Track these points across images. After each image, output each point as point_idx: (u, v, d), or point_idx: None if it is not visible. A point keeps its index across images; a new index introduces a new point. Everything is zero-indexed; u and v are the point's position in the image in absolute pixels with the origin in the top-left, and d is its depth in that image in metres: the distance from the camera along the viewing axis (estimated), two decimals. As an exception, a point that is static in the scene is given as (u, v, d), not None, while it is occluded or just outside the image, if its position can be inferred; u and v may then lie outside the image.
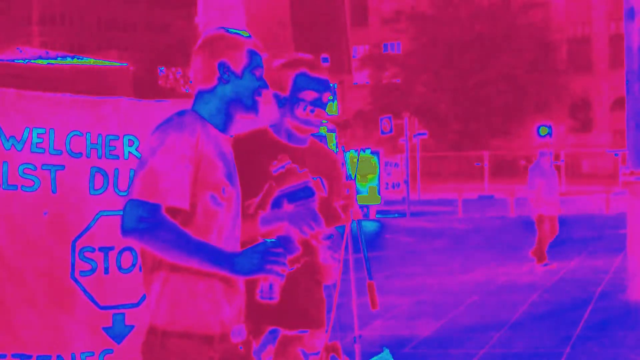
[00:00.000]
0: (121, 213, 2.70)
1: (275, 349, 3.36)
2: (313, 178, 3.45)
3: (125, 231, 2.67)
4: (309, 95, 3.40)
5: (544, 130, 35.71)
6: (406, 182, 27.27)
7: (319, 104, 3.40)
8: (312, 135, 3.53)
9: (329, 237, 3.29)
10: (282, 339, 3.38)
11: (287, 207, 3.37)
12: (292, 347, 3.40)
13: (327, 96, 3.45)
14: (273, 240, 2.81)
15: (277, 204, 3.37)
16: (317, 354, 3.40)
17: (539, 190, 12.92)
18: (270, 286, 2.87)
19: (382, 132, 24.79)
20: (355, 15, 56.68)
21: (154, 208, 2.66)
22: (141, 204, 2.67)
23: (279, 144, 3.42)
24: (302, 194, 3.41)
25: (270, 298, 2.87)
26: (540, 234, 13.09)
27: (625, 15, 10.40)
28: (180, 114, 2.84)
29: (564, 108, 55.51)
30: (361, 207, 3.61)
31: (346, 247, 3.11)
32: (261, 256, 2.75)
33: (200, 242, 2.72)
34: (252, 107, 2.96)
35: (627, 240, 10.42)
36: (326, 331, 3.43)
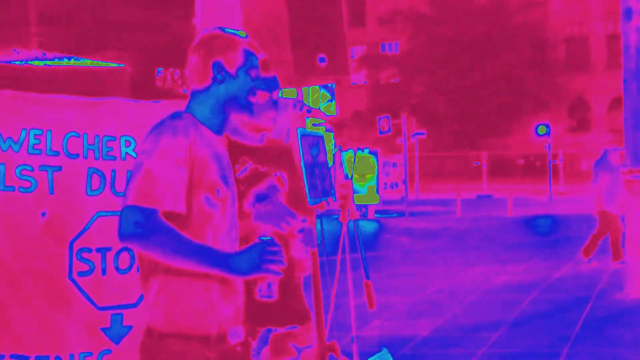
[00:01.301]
0: (119, 214, 2.69)
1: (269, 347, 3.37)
2: (274, 174, 3.46)
3: (123, 236, 2.67)
4: (261, 96, 3.40)
5: (542, 130, 35.65)
6: (404, 181, 27.28)
7: (272, 102, 3.41)
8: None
9: (301, 230, 3.31)
10: (274, 337, 3.39)
11: (258, 207, 3.37)
12: (284, 343, 3.42)
13: (277, 94, 3.46)
14: (269, 238, 2.78)
15: (249, 205, 3.39)
16: (309, 347, 3.41)
17: (602, 185, 12.56)
18: (269, 285, 2.86)
19: (380, 132, 24.76)
20: (353, 15, 56.65)
21: (150, 213, 2.65)
22: (137, 209, 2.66)
23: (237, 145, 3.43)
24: (268, 192, 3.43)
25: (269, 297, 2.87)
26: (611, 231, 12.59)
27: (622, 15, 10.41)
28: (173, 116, 2.82)
29: (562, 107, 55.50)
30: (360, 207, 3.63)
31: (343, 246, 3.12)
32: (259, 256, 2.73)
33: (198, 245, 2.71)
34: (246, 108, 2.94)
35: (625, 239, 10.43)
36: (324, 328, 3.44)
